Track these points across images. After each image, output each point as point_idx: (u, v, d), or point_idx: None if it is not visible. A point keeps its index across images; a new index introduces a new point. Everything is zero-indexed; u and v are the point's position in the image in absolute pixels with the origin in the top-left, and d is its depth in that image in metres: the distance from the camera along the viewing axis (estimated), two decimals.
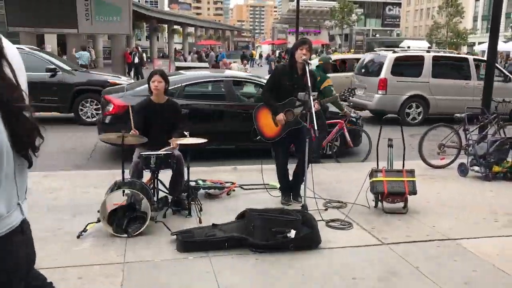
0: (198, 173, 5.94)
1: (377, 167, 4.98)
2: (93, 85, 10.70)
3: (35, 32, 21.50)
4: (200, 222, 4.38)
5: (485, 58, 9.76)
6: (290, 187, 5.19)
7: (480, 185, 6.02)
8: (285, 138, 5.02)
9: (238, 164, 6.88)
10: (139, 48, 28.12)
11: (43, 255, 3.65)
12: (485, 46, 8.85)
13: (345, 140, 7.47)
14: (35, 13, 17.98)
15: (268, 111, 5.01)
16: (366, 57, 13.46)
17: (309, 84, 4.62)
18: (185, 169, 4.61)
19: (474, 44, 58.14)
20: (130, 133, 4.46)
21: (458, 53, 14.47)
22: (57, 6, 17.90)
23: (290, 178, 5.21)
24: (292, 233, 3.84)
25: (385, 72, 11.53)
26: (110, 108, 7.00)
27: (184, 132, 4.75)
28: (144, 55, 28.21)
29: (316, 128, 4.45)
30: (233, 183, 5.50)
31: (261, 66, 43.17)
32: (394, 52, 12.02)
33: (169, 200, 4.71)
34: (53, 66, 10.60)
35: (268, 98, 5.01)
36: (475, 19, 69.17)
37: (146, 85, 4.98)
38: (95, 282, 3.30)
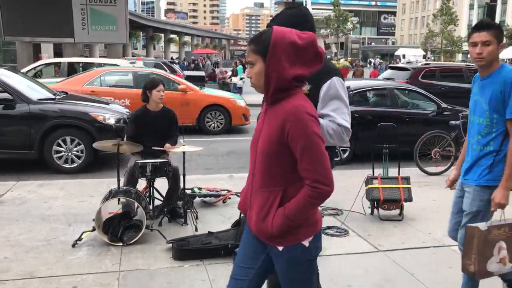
0: (194, 181, 5.94)
1: (373, 174, 4.99)
2: None
3: (31, 41, 21.50)
4: (196, 230, 4.38)
5: None
6: None
7: None
8: None
9: (234, 172, 6.88)
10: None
11: (37, 264, 3.63)
12: None
13: None
14: (31, 23, 17.96)
15: None
16: None
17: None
18: (181, 177, 4.60)
19: (468, 51, 58.60)
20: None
21: None
22: (54, 15, 17.89)
23: None
24: None
25: None
26: None
27: (181, 140, 4.75)
28: None
29: None
30: (229, 191, 5.49)
31: None
32: None
33: (165, 208, 4.70)
34: None
35: None
36: (469, 27, 69.78)
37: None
38: None
